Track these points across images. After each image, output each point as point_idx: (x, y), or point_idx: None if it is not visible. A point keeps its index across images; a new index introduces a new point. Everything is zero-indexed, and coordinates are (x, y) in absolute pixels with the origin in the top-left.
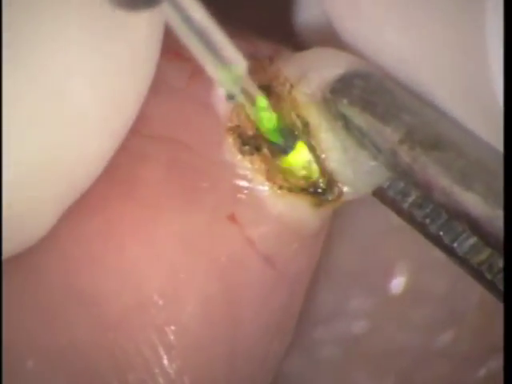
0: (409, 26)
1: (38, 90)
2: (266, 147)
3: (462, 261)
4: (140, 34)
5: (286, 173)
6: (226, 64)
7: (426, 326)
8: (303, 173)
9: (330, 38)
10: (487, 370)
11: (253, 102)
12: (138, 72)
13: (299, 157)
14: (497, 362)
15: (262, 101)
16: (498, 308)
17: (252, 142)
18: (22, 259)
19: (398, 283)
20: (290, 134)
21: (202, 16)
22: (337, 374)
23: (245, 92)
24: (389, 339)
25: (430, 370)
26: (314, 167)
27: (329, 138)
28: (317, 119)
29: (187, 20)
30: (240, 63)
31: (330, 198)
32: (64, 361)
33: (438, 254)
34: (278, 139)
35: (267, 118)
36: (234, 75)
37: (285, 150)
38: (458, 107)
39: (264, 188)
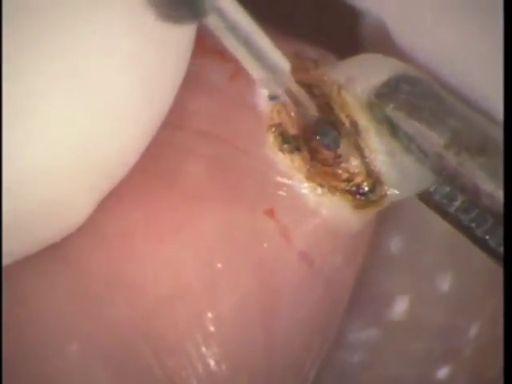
0: (459, 26)
1: (72, 73)
2: (305, 149)
3: None
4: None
5: (327, 175)
6: (270, 67)
7: (423, 359)
8: (345, 176)
9: (387, 42)
10: None
11: (296, 101)
12: (174, 60)
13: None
14: None
15: (306, 99)
16: (495, 344)
17: (292, 142)
18: (63, 247)
19: (396, 315)
20: (334, 130)
21: (246, 22)
22: None
23: (288, 92)
24: (385, 371)
25: None
26: (356, 170)
27: (377, 140)
28: (366, 121)
29: (233, 27)
30: (284, 65)
31: (372, 198)
32: (105, 346)
33: (437, 287)
34: (320, 136)
35: (310, 115)
36: (278, 77)
37: (328, 146)
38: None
39: (304, 186)
